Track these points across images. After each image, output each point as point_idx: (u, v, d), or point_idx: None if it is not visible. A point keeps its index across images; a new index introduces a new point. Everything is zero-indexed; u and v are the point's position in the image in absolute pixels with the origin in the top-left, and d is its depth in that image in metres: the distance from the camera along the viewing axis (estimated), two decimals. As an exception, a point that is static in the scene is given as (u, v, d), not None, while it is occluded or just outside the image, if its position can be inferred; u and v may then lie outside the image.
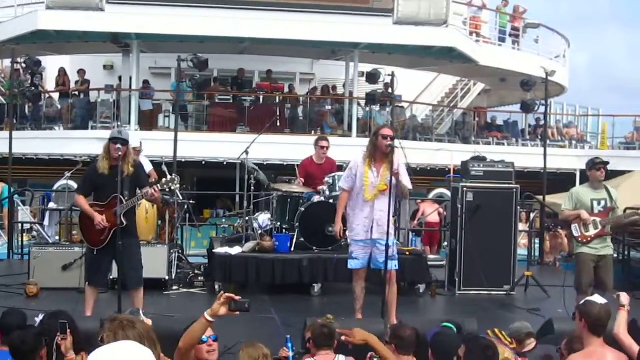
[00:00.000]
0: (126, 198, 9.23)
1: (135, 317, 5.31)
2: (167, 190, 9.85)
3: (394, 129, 10.78)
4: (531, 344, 7.61)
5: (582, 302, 6.64)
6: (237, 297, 5.53)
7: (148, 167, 13.12)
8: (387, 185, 9.49)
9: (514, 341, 7.55)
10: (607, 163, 11.06)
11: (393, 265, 9.81)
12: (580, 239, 10.74)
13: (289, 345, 7.47)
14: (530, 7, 31.82)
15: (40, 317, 5.85)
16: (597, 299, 6.49)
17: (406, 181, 9.90)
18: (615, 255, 15.57)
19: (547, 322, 8.56)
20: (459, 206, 13.13)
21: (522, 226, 17.25)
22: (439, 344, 6.45)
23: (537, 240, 17.43)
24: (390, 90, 19.29)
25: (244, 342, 6.23)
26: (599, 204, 10.80)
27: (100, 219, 9.35)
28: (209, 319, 5.57)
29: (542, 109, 20.06)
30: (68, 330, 5.46)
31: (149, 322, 6.03)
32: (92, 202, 9.63)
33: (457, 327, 7.38)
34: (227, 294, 5.55)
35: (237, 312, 5.53)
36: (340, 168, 13.78)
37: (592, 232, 10.69)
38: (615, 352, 6.39)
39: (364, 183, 9.80)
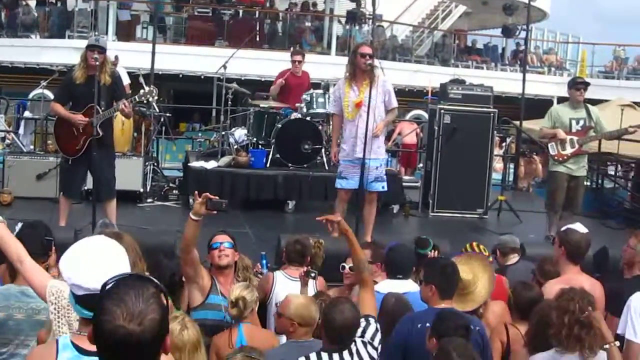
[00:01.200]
0: (102, 108, 9.12)
1: (122, 232, 5.38)
2: (145, 102, 9.77)
3: (373, 47, 10.67)
4: (514, 258, 7.70)
5: (563, 228, 6.67)
6: (214, 197, 5.93)
7: (125, 81, 13.00)
8: (363, 99, 9.51)
9: (499, 252, 7.70)
10: (588, 84, 11.26)
11: (380, 186, 9.87)
12: (556, 157, 10.94)
13: (263, 262, 7.54)
14: None
15: (19, 225, 5.79)
16: (578, 227, 6.52)
17: (393, 100, 9.96)
18: (588, 184, 15.75)
19: (602, 249, 8.56)
20: (436, 128, 13.13)
21: (497, 150, 17.30)
22: (393, 256, 6.52)
23: (511, 165, 17.50)
24: (370, 9, 19.09)
25: None
26: (577, 122, 10.98)
27: (79, 116, 9.23)
28: (194, 217, 5.91)
29: (522, 34, 19.98)
30: (53, 248, 5.41)
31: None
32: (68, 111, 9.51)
33: (433, 245, 7.43)
34: (205, 194, 5.93)
35: (215, 212, 5.89)
36: (318, 86, 13.71)
37: (569, 150, 10.90)
38: (590, 279, 6.45)
39: (344, 103, 9.79)
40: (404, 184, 13.71)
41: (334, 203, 10.07)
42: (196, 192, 6.07)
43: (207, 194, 5.96)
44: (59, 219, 9.53)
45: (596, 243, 7.51)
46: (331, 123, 10.52)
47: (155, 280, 2.87)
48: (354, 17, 23.71)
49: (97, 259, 3.47)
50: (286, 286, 6.64)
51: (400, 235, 11.47)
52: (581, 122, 10.96)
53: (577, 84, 11.03)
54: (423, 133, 16.87)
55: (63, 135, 9.51)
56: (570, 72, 32.59)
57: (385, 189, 10.14)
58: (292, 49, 14.19)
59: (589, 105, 11.21)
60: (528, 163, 18.57)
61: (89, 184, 9.92)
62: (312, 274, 6.50)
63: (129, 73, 15.12)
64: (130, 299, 2.74)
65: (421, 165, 15.78)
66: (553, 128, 10.95)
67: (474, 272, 5.93)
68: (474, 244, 7.45)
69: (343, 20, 25.73)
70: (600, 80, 31.20)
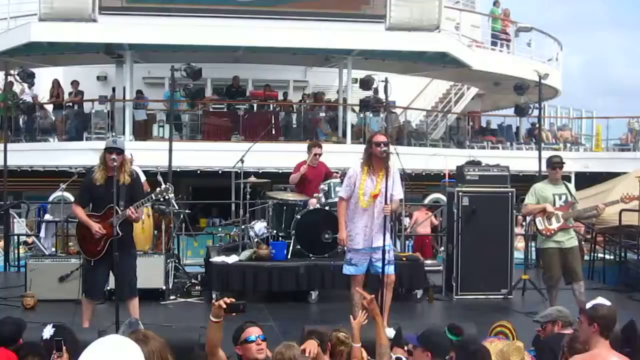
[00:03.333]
0: (122, 208, 9.24)
1: (151, 333, 5.39)
2: (162, 199, 9.85)
3: (388, 134, 10.79)
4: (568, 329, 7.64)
5: (588, 305, 6.60)
6: (230, 300, 5.91)
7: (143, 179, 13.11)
8: (380, 190, 9.57)
9: (560, 324, 7.65)
10: (563, 164, 11.68)
11: (390, 270, 9.82)
12: (544, 232, 11.28)
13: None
14: (525, 11, 32.09)
15: (50, 329, 5.87)
16: (603, 301, 6.47)
17: (397, 191, 9.96)
18: (612, 257, 15.65)
19: (630, 323, 8.40)
20: (455, 211, 13.13)
21: (518, 229, 17.25)
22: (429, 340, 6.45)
23: (533, 243, 17.41)
24: (383, 96, 19.27)
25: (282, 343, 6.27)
26: (560, 198, 11.37)
27: (97, 227, 9.35)
28: (214, 319, 5.91)
29: (535, 112, 20.08)
30: (64, 347, 5.45)
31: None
32: (88, 213, 9.66)
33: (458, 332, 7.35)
34: (220, 301, 5.90)
35: (234, 314, 5.90)
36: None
37: (554, 225, 11.25)
38: (620, 356, 6.36)
39: (359, 192, 9.83)
40: (426, 268, 13.65)
41: (352, 291, 10.04)
42: (213, 299, 6.10)
43: (223, 300, 5.94)
44: (82, 320, 9.55)
45: (623, 317, 7.43)
46: (338, 207, 10.40)
47: None
48: (367, 106, 23.94)
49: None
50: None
51: (426, 320, 11.43)
52: (563, 198, 11.38)
53: (554, 164, 11.48)
54: (442, 216, 16.83)
55: (85, 236, 9.61)
56: (586, 146, 32.69)
57: (393, 272, 10.10)
58: (310, 141, 14.29)
59: (566, 182, 11.72)
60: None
61: (112, 283, 9.94)
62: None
63: (146, 171, 15.16)
64: None
65: (442, 249, 15.72)
66: (537, 204, 11.24)
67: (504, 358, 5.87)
68: (504, 323, 7.37)
69: (357, 108, 25.96)
70: (617, 153, 31.25)
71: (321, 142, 15.02)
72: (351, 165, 10.19)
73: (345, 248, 10.26)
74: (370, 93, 24.22)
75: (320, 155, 13.75)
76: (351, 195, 9.95)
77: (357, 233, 9.91)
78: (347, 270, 10.02)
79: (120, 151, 9.36)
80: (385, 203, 9.43)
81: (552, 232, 11.17)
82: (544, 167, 16.96)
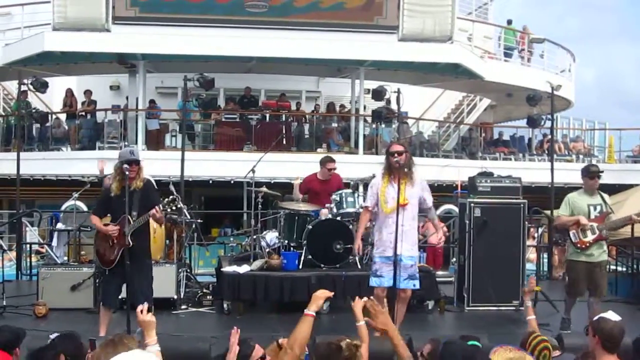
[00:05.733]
0: (134, 218, 9.32)
1: (129, 337, 5.40)
2: (170, 210, 9.89)
3: (403, 144, 10.80)
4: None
5: (595, 317, 6.60)
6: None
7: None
8: (407, 200, 9.61)
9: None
10: (602, 172, 11.34)
11: (413, 284, 9.85)
12: (578, 245, 10.95)
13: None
14: (538, 22, 32.20)
15: (53, 336, 5.90)
16: (611, 315, 6.45)
17: (429, 198, 10.12)
18: (624, 269, 15.58)
19: None
20: (467, 222, 13.12)
21: (530, 241, 17.21)
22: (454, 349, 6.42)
23: (545, 255, 17.39)
24: (395, 107, 19.26)
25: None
26: (595, 209, 11.05)
27: (112, 228, 9.54)
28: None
29: (548, 124, 20.05)
30: (62, 356, 5.51)
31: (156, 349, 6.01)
32: (105, 223, 9.80)
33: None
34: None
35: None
36: (348, 185, 13.82)
37: (590, 237, 10.94)
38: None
39: (381, 199, 9.87)
40: (437, 279, 13.62)
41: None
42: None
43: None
44: (99, 328, 9.62)
45: (634, 329, 7.41)
46: (360, 217, 10.47)
47: None
48: (379, 116, 23.91)
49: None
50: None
51: (438, 331, 11.39)
52: (598, 208, 11.05)
53: (592, 173, 11.11)
54: (454, 228, 16.81)
55: (101, 246, 9.78)
56: (599, 158, 32.55)
57: (418, 287, 10.11)
58: (324, 157, 14.26)
59: (601, 192, 11.29)
60: (562, 252, 18.42)
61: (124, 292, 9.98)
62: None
63: (158, 181, 15.19)
64: None
65: (454, 260, 15.70)
66: (571, 216, 10.98)
67: None
68: (545, 338, 7.24)
69: (369, 119, 25.94)
70: (629, 165, 31.14)
71: (333, 152, 15.03)
72: (363, 176, 10.25)
73: (374, 259, 10.19)
74: (382, 104, 24.21)
75: (334, 169, 13.80)
76: (375, 205, 10.01)
77: (384, 241, 9.91)
78: (373, 282, 10.01)
79: (137, 162, 9.58)
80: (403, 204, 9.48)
81: (587, 244, 10.87)
82: (556, 179, 17.06)
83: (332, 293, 5.93)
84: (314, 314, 5.79)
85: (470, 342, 7.09)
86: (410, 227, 9.81)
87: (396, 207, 9.53)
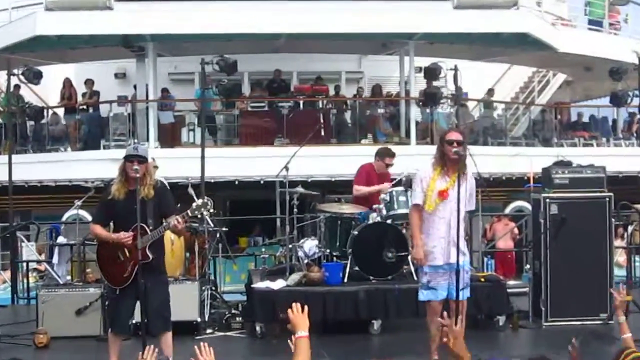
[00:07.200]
0: (150, 227, 9.27)
1: None
2: (198, 217, 9.88)
3: (462, 132, 10.74)
4: None
5: None
6: None
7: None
8: (449, 191, 9.58)
9: None
10: None
11: (464, 294, 9.80)
12: None
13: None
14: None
15: None
16: None
17: (471, 203, 10.06)
18: None
19: None
20: (542, 221, 13.04)
21: (618, 241, 17.10)
22: None
23: (637, 258, 17.28)
24: (452, 87, 19.21)
25: None
26: None
27: (124, 235, 9.33)
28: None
29: (636, 101, 19.94)
30: None
31: None
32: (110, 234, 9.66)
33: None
34: None
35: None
36: (399, 183, 13.79)
37: None
38: None
39: (429, 194, 9.81)
40: (509, 290, 13.56)
41: (427, 320, 10.01)
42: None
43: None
44: (109, 359, 9.63)
45: None
46: (411, 218, 10.42)
47: None
48: (434, 99, 23.83)
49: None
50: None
51: (511, 351, 11.37)
52: None
53: None
54: (527, 228, 16.75)
55: (107, 261, 9.63)
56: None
57: (469, 295, 10.08)
58: (380, 149, 14.19)
59: None
60: (657, 253, 18.32)
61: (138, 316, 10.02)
62: None
63: (174, 184, 15.30)
64: None
65: (528, 266, 15.64)
66: None
67: None
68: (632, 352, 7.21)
69: (421, 102, 25.86)
70: None
71: (380, 143, 15.01)
72: (416, 170, 10.18)
73: (424, 269, 10.10)
74: (437, 83, 24.16)
75: (391, 166, 13.80)
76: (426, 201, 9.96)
77: (433, 246, 9.86)
78: (424, 296, 9.98)
79: (142, 159, 9.34)
80: (458, 207, 9.39)
81: None
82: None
83: (305, 308, 5.86)
84: (307, 334, 5.74)
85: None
86: (463, 229, 9.77)
87: (456, 205, 9.49)
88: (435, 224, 9.85)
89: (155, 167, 12.88)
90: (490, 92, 29.83)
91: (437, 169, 9.88)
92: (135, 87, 27.75)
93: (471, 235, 14.58)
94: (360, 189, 13.77)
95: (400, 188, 13.08)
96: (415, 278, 12.21)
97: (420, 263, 10.10)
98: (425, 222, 9.97)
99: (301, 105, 27.18)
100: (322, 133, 24.40)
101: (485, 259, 17.87)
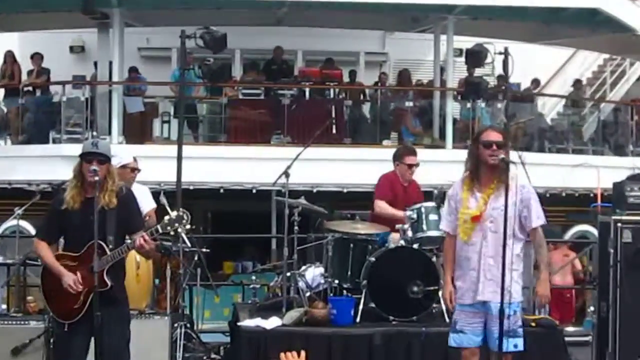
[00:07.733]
0: (110, 246, 9.21)
1: None
2: (171, 233, 9.91)
3: (505, 132, 10.70)
4: None
5: None
6: None
7: (149, 204, 13.16)
8: (484, 212, 9.49)
9: None
10: None
11: (513, 344, 9.76)
12: None
13: None
14: None
15: None
16: None
17: (538, 214, 9.81)
18: None
19: None
20: (611, 251, 13.05)
21: None
22: None
23: None
24: (502, 76, 19.19)
25: None
26: None
27: (71, 279, 9.23)
28: None
29: None
30: None
31: None
32: (61, 252, 9.58)
33: None
34: None
35: None
36: (430, 197, 13.79)
37: None
38: None
39: (461, 216, 9.70)
40: (566, 338, 13.58)
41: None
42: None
43: None
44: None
45: None
46: (443, 248, 10.40)
47: None
48: (477, 90, 23.77)
49: None
50: None
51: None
52: None
53: None
54: (592, 259, 16.76)
55: (54, 288, 9.47)
56: None
57: (521, 348, 10.00)
58: (397, 150, 14.15)
59: None
60: None
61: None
62: None
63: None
64: None
65: (592, 309, 15.66)
66: None
67: None
68: None
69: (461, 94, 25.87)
70: None
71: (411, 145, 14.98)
72: (453, 180, 10.13)
73: (454, 307, 10.04)
74: (482, 71, 24.19)
75: (415, 167, 13.76)
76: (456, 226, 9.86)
77: (463, 280, 9.79)
78: (453, 340, 9.92)
79: (103, 158, 9.24)
80: (505, 229, 9.20)
81: None
82: None
83: (302, 353, 5.91)
84: None
85: None
86: (500, 258, 9.49)
87: (474, 228, 9.52)
88: (464, 253, 9.74)
89: (136, 169, 12.93)
90: (535, 82, 29.84)
91: (466, 182, 9.77)
92: (95, 64, 27.82)
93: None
94: (383, 208, 13.70)
95: (432, 204, 13.06)
96: (447, 320, 12.24)
97: (446, 304, 10.24)
98: (458, 251, 9.87)
99: (307, 94, 27.01)
100: (333, 130, 24.40)
101: (537, 299, 17.85)
